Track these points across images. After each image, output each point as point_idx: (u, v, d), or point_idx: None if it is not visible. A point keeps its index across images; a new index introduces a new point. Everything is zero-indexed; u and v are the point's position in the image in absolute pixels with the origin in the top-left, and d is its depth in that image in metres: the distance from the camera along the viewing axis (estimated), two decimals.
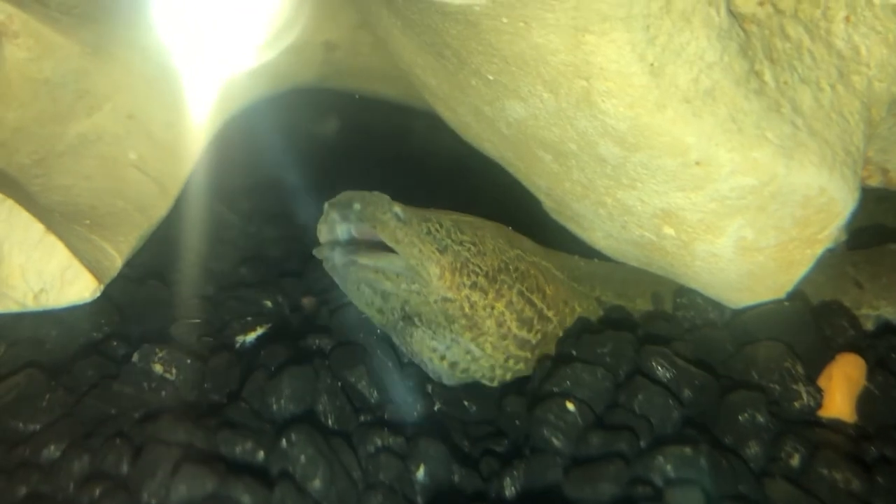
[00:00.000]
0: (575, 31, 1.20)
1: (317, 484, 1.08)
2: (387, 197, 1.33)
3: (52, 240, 1.36)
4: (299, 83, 2.10)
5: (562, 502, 1.07)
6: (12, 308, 1.38)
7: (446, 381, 1.43)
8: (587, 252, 1.64)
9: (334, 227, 1.30)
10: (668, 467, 1.07)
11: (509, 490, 1.18)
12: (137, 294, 1.70)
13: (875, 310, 1.56)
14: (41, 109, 1.67)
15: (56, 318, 1.50)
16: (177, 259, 1.91)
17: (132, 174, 1.71)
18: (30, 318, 1.48)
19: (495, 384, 1.45)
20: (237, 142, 2.09)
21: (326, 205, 1.32)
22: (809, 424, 1.25)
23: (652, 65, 1.23)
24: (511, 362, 1.43)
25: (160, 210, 1.70)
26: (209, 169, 1.88)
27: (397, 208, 1.32)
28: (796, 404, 1.27)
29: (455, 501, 1.16)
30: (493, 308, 1.37)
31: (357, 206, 1.29)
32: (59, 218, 1.48)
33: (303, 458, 1.09)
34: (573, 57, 1.24)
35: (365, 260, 1.28)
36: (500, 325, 1.39)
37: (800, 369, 1.30)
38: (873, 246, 1.75)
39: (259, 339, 1.53)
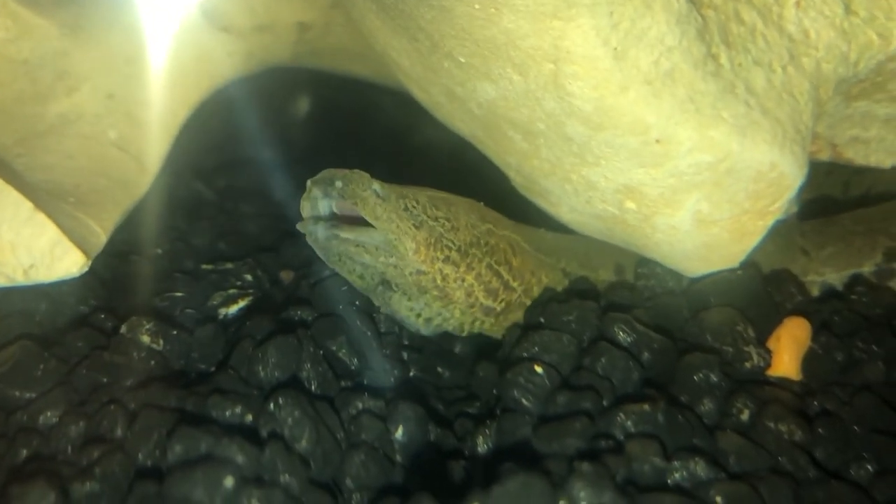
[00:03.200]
0: (543, 16, 1.26)
1: (304, 444, 1.15)
2: (367, 174, 1.39)
3: (41, 217, 1.39)
4: (273, 63, 2.14)
5: (531, 457, 1.15)
6: (2, 283, 1.42)
7: (423, 332, 1.54)
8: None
9: (316, 202, 1.36)
10: (629, 423, 1.16)
11: (482, 447, 1.26)
12: (120, 269, 1.75)
13: (820, 276, 1.66)
14: (20, 90, 1.69)
15: (44, 293, 1.54)
16: (157, 235, 1.96)
17: (113, 153, 1.74)
18: (18, 293, 1.52)
19: (464, 334, 1.57)
20: (212, 120, 2.13)
21: (309, 182, 1.37)
22: (759, 383, 1.34)
23: (615, 49, 1.30)
24: (478, 323, 1.55)
25: (141, 187, 1.74)
26: (186, 147, 1.92)
27: (376, 185, 1.38)
28: (747, 364, 1.36)
29: (432, 458, 1.24)
30: (463, 280, 1.46)
31: (339, 183, 1.34)
32: (44, 196, 1.51)
33: (290, 420, 1.16)
34: (541, 41, 1.30)
35: (346, 234, 1.35)
36: (468, 295, 1.48)
37: (751, 332, 1.39)
38: (823, 217, 1.84)
39: (241, 311, 1.59)
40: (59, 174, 1.64)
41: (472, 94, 1.52)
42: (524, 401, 1.27)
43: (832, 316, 1.48)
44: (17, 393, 1.30)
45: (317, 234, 1.36)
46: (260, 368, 1.29)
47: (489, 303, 1.51)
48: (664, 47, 1.33)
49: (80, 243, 1.44)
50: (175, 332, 1.47)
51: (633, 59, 1.32)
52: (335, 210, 1.40)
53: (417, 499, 1.01)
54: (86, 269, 1.43)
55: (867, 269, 1.64)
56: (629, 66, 1.32)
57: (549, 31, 1.28)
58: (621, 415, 1.16)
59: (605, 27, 1.28)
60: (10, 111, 1.67)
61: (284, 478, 1.09)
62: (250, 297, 1.63)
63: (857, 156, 1.75)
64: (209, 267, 1.80)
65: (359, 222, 1.38)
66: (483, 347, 1.58)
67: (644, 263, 1.63)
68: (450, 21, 1.36)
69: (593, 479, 0.98)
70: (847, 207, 1.88)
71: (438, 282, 1.43)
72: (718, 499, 1.04)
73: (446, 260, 1.43)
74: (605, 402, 1.24)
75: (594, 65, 1.30)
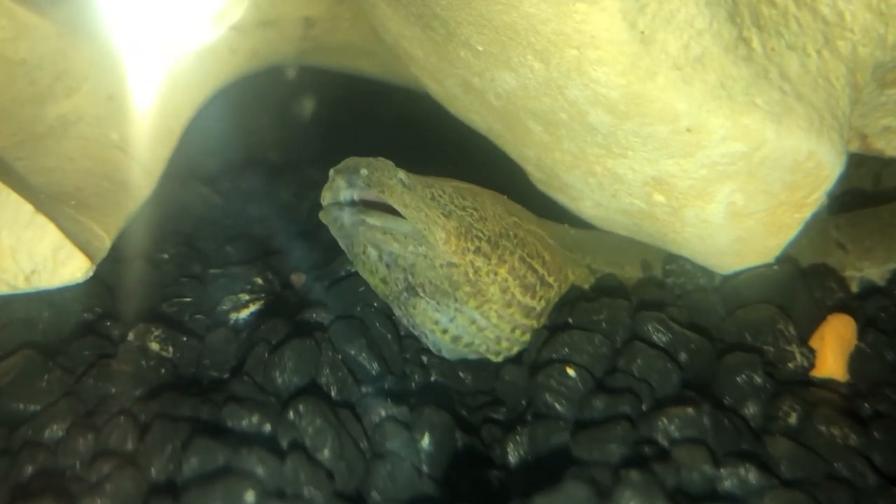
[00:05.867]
0: None
1: (326, 454, 1.09)
2: (391, 163, 1.32)
3: (43, 220, 1.34)
4: (278, 60, 2.09)
5: (569, 464, 1.08)
6: (3, 290, 1.36)
7: (446, 354, 1.43)
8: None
9: (339, 193, 1.29)
10: (672, 427, 1.09)
11: (514, 455, 1.20)
12: (126, 275, 1.69)
13: (859, 271, 1.59)
14: (19, 91, 1.65)
15: (47, 300, 1.48)
16: (162, 239, 1.90)
17: (115, 155, 1.69)
18: (20, 301, 1.46)
19: (500, 359, 1.45)
20: (215, 121, 2.07)
21: (332, 171, 1.30)
22: (803, 384, 1.28)
23: (642, 32, 1.24)
24: (518, 333, 1.43)
25: (144, 190, 1.69)
26: (189, 149, 1.86)
27: (402, 174, 1.31)
28: (790, 365, 1.30)
29: (461, 467, 1.18)
30: (496, 274, 1.37)
31: (364, 171, 1.27)
32: (45, 199, 1.46)
33: (311, 429, 1.09)
34: (564, 26, 1.24)
35: (374, 220, 1.27)
36: (503, 291, 1.38)
37: (792, 331, 1.33)
38: (852, 210, 1.77)
39: (253, 315, 1.53)
40: (60, 177, 1.58)
41: (490, 85, 1.47)
42: (557, 405, 1.20)
43: (878, 313, 1.41)
44: (21, 405, 1.24)
45: (342, 220, 1.27)
46: (277, 374, 1.22)
47: (527, 300, 1.41)
48: (694, 30, 1.27)
49: (83, 248, 1.39)
50: (185, 339, 1.41)
51: (661, 43, 1.26)
52: (357, 199, 1.31)
53: None
54: (91, 273, 1.37)
55: None
56: (657, 50, 1.26)
57: (573, 15, 1.23)
58: (664, 419, 1.10)
59: (632, 10, 1.22)
60: (9, 113, 1.63)
61: (308, 490, 1.02)
62: (262, 302, 1.56)
63: (889, 146, 1.69)
64: (217, 271, 1.73)
65: (384, 210, 1.30)
66: None
67: (673, 260, 1.56)
68: (467, 6, 1.31)
69: (643, 489, 0.92)
70: (878, 201, 1.81)
71: (470, 275, 1.34)
72: None
73: (477, 251, 1.34)
74: (643, 407, 1.17)
75: (620, 49, 1.25)
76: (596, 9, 1.21)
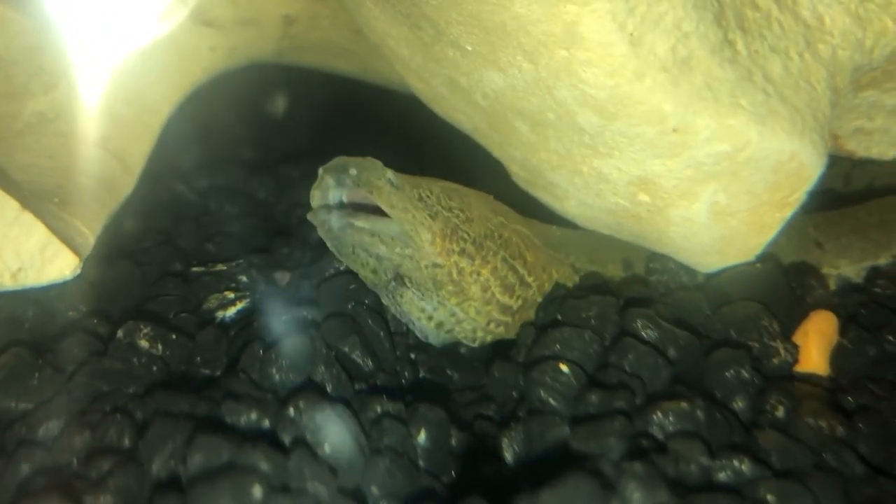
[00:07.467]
0: (557, 1, 1.22)
1: (327, 450, 1.09)
2: (380, 163, 1.34)
3: (29, 217, 1.32)
4: (257, 58, 2.08)
5: (566, 459, 1.10)
6: None
7: (432, 340, 1.48)
8: None
9: (328, 191, 1.30)
10: (667, 421, 1.12)
11: (509, 450, 1.21)
12: (108, 273, 1.67)
13: (836, 269, 1.63)
14: None
15: (31, 298, 1.47)
16: (141, 237, 1.88)
17: (95, 152, 1.68)
18: (5, 299, 1.45)
19: (476, 344, 1.50)
20: (192, 118, 2.05)
21: (321, 170, 1.31)
22: (788, 379, 1.31)
23: (631, 34, 1.26)
24: (492, 325, 1.47)
25: (125, 187, 1.67)
26: (167, 146, 1.85)
27: (390, 174, 1.33)
28: (775, 360, 1.33)
29: (459, 463, 1.19)
30: (478, 274, 1.41)
31: (353, 170, 1.29)
32: (28, 196, 1.45)
33: (312, 425, 1.10)
34: (554, 27, 1.25)
35: (361, 223, 1.29)
36: (484, 290, 1.42)
37: (776, 327, 1.35)
38: (824, 210, 1.81)
39: (240, 313, 1.53)
40: (40, 174, 1.57)
41: (477, 84, 1.48)
42: (552, 401, 1.22)
43: (858, 309, 1.45)
44: (13, 404, 1.23)
45: (330, 223, 1.30)
46: (274, 371, 1.22)
47: (505, 299, 1.45)
48: (681, 33, 1.30)
49: (68, 245, 1.37)
50: (174, 337, 1.40)
51: (649, 45, 1.28)
52: (345, 199, 1.33)
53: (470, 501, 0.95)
54: (78, 271, 1.36)
55: (884, 261, 1.61)
56: (646, 52, 1.28)
57: (563, 16, 1.24)
58: (658, 413, 1.12)
59: (622, 12, 1.24)
60: None
61: (313, 486, 1.02)
62: (248, 300, 1.56)
63: (859, 147, 1.73)
64: (200, 269, 1.72)
65: (371, 211, 1.32)
66: (491, 348, 1.52)
67: (656, 258, 1.58)
68: (457, 7, 1.32)
69: (646, 480, 0.94)
70: (849, 201, 1.85)
71: (454, 275, 1.38)
72: (770, 497, 1.00)
73: (462, 252, 1.38)
74: (637, 401, 1.19)
75: (609, 51, 1.26)
76: (586, 10, 1.23)
